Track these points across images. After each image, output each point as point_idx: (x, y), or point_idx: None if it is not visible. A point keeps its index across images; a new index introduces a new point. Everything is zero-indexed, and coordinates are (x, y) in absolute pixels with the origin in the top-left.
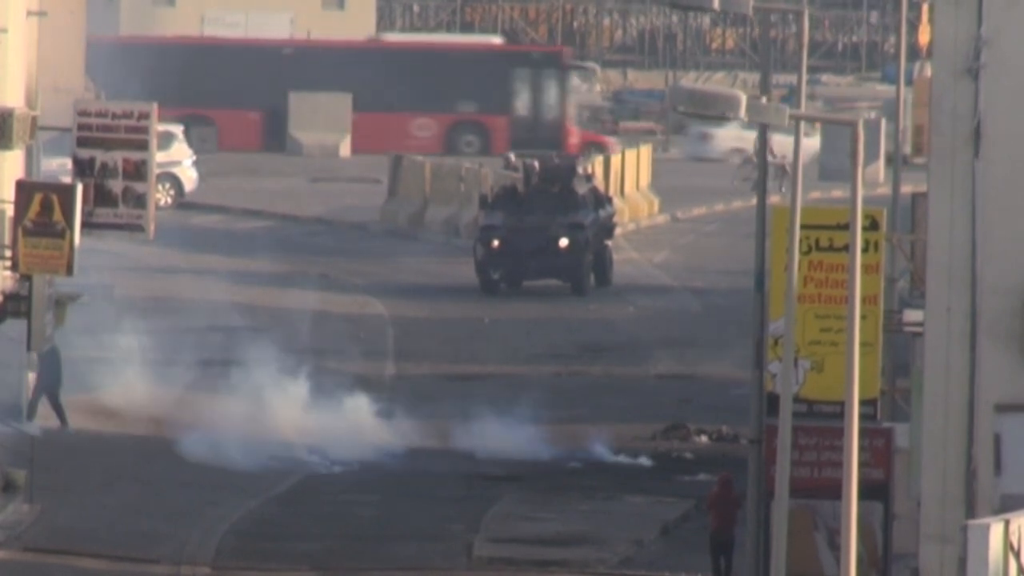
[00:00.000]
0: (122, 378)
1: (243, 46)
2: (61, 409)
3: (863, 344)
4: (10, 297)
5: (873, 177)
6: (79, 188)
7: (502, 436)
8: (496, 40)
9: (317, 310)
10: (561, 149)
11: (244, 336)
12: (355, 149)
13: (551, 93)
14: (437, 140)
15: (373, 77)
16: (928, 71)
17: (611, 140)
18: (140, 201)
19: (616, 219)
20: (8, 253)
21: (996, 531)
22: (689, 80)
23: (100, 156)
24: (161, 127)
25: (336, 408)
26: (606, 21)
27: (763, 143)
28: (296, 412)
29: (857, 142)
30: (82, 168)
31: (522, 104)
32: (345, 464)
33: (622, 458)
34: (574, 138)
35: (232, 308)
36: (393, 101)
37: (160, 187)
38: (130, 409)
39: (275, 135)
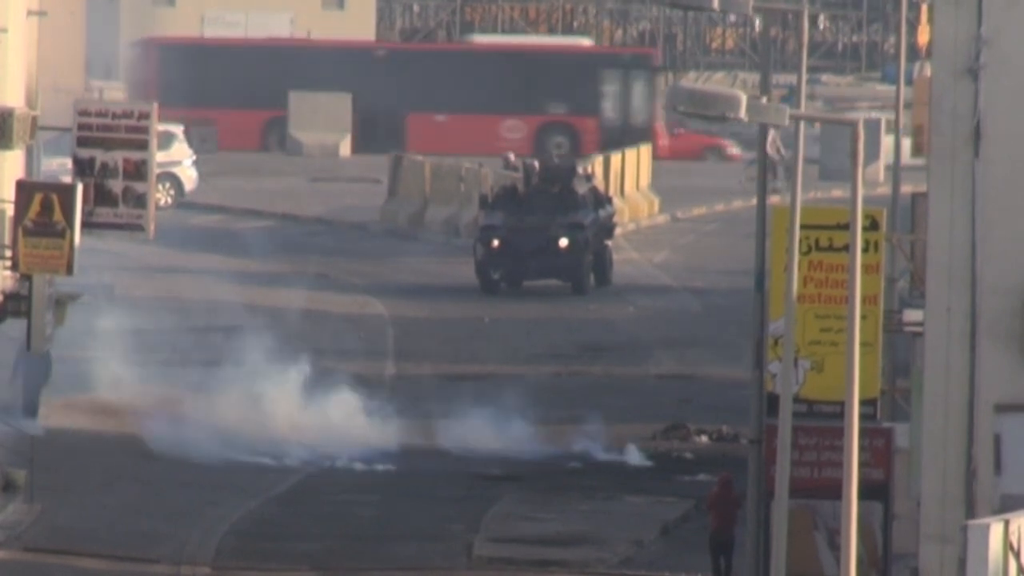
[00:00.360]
0: (122, 378)
1: (335, 49)
2: (36, 409)
3: (863, 344)
4: (10, 297)
5: (873, 177)
6: (79, 188)
7: (501, 436)
8: (586, 42)
9: (317, 310)
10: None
11: (244, 336)
12: (446, 151)
13: (640, 95)
14: (527, 142)
15: (463, 79)
16: (928, 71)
17: (729, 143)
18: (140, 201)
19: (616, 219)
20: (8, 253)
21: (996, 531)
22: (689, 80)
23: (100, 156)
24: (161, 127)
25: (335, 408)
26: (606, 21)
27: (763, 143)
28: (293, 411)
29: (857, 142)
30: (82, 168)
31: (611, 106)
32: (335, 461)
33: (613, 456)
34: (663, 140)
35: (232, 308)
36: (483, 103)
37: (160, 187)
38: (129, 409)
39: (366, 136)
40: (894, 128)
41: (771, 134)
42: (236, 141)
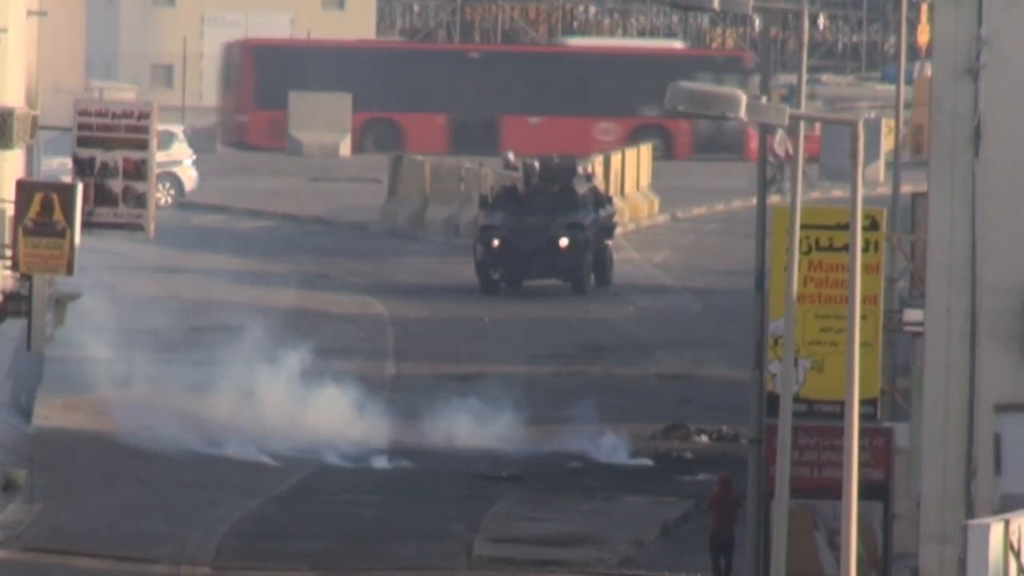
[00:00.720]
0: (121, 377)
1: (430, 51)
2: (30, 409)
3: (863, 344)
4: (10, 296)
5: (873, 177)
6: (79, 188)
7: (501, 436)
8: (678, 44)
9: (317, 310)
10: (742, 154)
11: (243, 335)
12: (540, 152)
13: None
14: (620, 144)
15: (557, 81)
16: (928, 71)
17: None
18: (140, 201)
19: (616, 219)
20: (8, 253)
21: (996, 531)
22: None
23: (100, 156)
24: (161, 127)
25: (327, 406)
26: (606, 21)
27: (763, 143)
28: (284, 408)
29: (857, 142)
30: (82, 168)
31: None
32: (318, 459)
33: (588, 450)
34: (755, 142)
35: (231, 307)
36: (576, 105)
37: (160, 187)
38: (125, 408)
39: (460, 139)
40: (895, 128)
41: (779, 134)
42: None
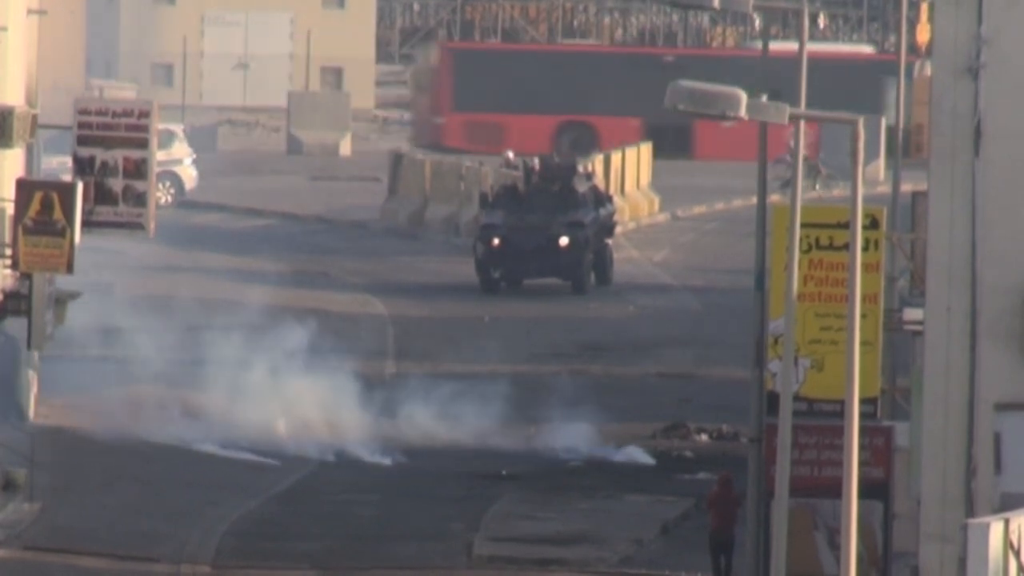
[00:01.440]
0: (119, 377)
1: (623, 54)
2: (24, 409)
3: (863, 343)
4: (10, 295)
5: (873, 176)
6: (79, 186)
7: (502, 435)
8: (867, 49)
9: (317, 308)
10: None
11: (243, 335)
12: (733, 157)
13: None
14: (811, 148)
15: (750, 85)
16: (928, 71)
17: None
18: (140, 199)
19: (616, 218)
20: (8, 251)
21: (996, 530)
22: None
23: (100, 154)
24: (161, 126)
25: (333, 406)
26: (606, 20)
27: (763, 142)
28: (291, 409)
29: (857, 141)
30: (82, 166)
31: (892, 114)
32: (329, 460)
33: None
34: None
35: (231, 306)
36: None
37: (160, 185)
38: (125, 408)
39: (655, 142)
40: (895, 127)
41: None
42: (527, 145)
